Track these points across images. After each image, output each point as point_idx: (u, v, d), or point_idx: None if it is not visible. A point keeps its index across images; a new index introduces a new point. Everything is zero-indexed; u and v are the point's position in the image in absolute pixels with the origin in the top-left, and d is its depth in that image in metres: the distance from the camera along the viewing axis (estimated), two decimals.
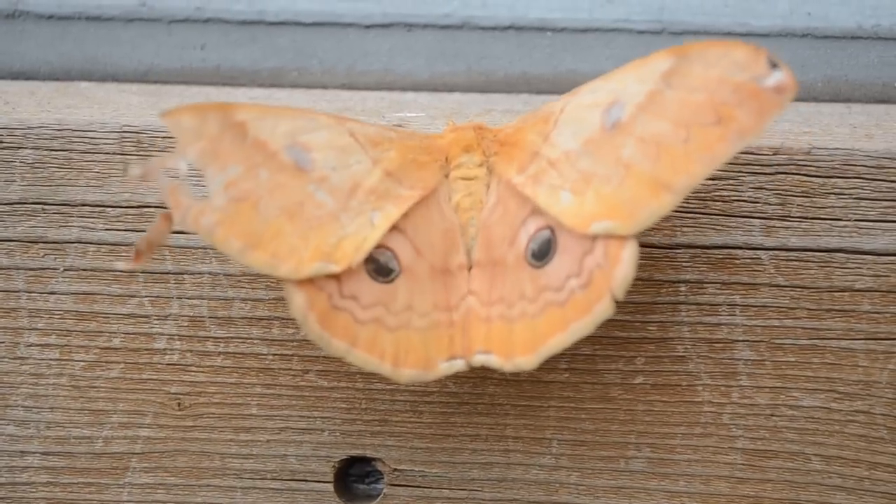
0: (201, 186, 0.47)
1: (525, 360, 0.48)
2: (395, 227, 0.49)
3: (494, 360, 0.48)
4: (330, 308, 0.48)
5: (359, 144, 0.49)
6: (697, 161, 0.46)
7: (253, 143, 0.47)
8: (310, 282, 0.48)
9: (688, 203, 0.52)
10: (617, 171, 0.47)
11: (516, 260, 0.49)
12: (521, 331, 0.48)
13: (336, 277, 0.48)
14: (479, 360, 0.48)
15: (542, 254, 0.49)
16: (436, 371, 0.48)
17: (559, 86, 0.62)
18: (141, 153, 0.52)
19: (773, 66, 0.46)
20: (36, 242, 0.53)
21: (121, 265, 0.50)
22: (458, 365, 0.48)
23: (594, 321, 0.47)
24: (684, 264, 0.52)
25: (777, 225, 0.52)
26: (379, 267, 0.49)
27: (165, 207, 0.51)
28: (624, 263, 0.47)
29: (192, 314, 0.53)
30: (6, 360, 0.53)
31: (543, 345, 0.48)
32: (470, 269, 0.49)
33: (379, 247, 0.49)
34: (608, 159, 0.47)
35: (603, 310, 0.47)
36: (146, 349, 0.53)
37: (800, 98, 0.61)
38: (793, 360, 0.52)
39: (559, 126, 0.49)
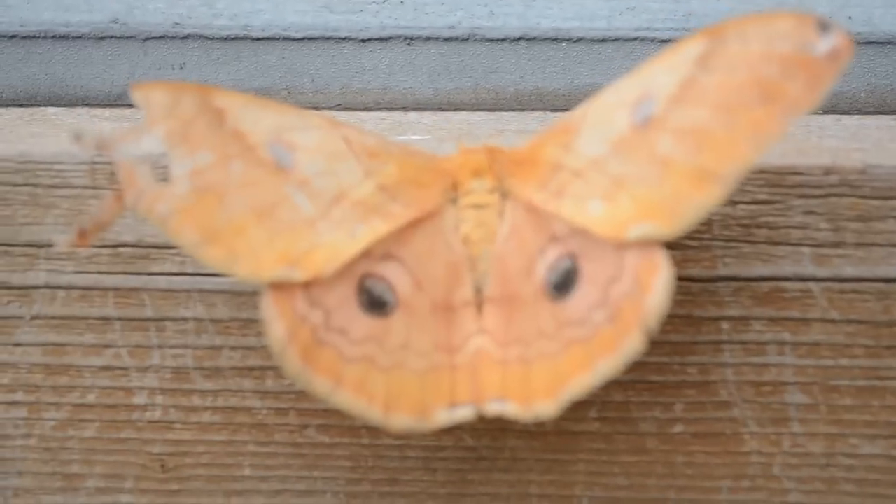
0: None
1: (545, 405, 0.45)
2: (392, 256, 0.47)
3: (512, 409, 0.46)
4: (314, 342, 0.46)
5: (352, 152, 0.48)
6: (745, 144, 0.44)
7: (231, 132, 0.46)
8: (292, 311, 0.46)
9: (730, 231, 0.50)
10: (652, 169, 0.45)
11: (534, 294, 0.47)
12: (540, 372, 0.46)
13: (324, 309, 0.46)
14: (495, 408, 0.46)
15: (563, 284, 0.46)
16: (433, 420, 0.46)
17: (576, 102, 0.61)
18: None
19: (824, 29, 0.44)
20: None
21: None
22: (462, 413, 0.46)
23: (622, 359, 0.45)
24: (727, 299, 0.50)
25: (829, 253, 0.50)
26: (372, 299, 0.47)
27: (142, 246, 0.51)
28: (656, 291, 0.45)
29: (175, 365, 0.51)
30: None
31: (564, 388, 0.45)
32: (480, 306, 0.47)
33: (374, 277, 0.47)
34: (641, 158, 0.46)
35: (632, 346, 0.45)
36: (125, 405, 0.51)
37: (843, 110, 0.61)
38: (849, 403, 0.50)
39: (582, 133, 0.47)
